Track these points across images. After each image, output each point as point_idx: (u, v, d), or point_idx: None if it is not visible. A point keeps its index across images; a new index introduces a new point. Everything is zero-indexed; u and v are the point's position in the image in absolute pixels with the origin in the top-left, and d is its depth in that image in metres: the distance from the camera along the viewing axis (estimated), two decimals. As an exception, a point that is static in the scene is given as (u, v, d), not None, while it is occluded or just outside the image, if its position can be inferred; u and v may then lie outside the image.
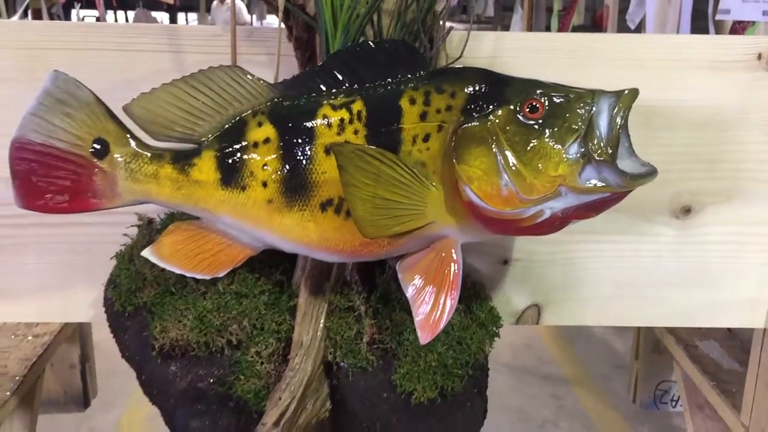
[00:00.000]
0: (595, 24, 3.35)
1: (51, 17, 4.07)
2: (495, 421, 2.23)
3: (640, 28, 2.21)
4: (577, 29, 3.50)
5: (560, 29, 3.51)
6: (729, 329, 1.03)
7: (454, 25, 0.67)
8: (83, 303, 0.74)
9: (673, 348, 1.01)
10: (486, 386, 0.73)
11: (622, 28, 2.52)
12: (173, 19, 10.38)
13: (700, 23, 1.72)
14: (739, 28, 1.45)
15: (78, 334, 1.08)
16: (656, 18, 1.94)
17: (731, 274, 0.76)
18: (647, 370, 1.14)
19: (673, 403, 1.12)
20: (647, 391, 1.12)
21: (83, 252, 0.74)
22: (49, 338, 0.97)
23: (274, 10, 0.62)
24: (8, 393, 0.84)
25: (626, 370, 2.49)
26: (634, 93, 0.55)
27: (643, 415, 2.34)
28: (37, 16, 3.90)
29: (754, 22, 1.42)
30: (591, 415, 2.39)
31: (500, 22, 4.83)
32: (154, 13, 6.88)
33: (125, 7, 7.15)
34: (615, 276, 0.76)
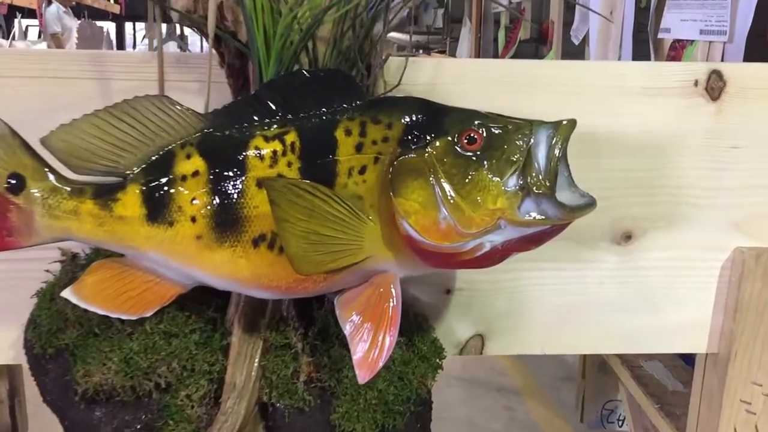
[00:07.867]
0: (541, 36, 3.37)
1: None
2: (446, 432, 2.22)
3: (583, 43, 2.24)
4: (524, 42, 3.54)
5: (507, 43, 3.53)
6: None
7: (403, 36, 0.65)
8: (3, 344, 0.68)
9: (619, 369, 0.99)
10: (430, 420, 0.69)
11: (567, 41, 2.54)
12: (120, 28, 10.14)
13: (642, 43, 1.74)
14: (679, 46, 1.47)
15: (5, 368, 1.01)
16: (599, 35, 1.97)
17: (672, 299, 0.74)
18: (594, 389, 1.12)
19: (620, 423, 1.11)
20: (594, 410, 1.11)
21: (1, 290, 0.67)
22: (-27, 375, 0.91)
23: (204, 35, 0.59)
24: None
25: (575, 382, 2.53)
26: (572, 123, 0.54)
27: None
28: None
29: (692, 41, 1.45)
30: (541, 425, 2.41)
31: (449, 33, 4.87)
32: (100, 23, 6.63)
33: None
34: (558, 303, 0.73)
